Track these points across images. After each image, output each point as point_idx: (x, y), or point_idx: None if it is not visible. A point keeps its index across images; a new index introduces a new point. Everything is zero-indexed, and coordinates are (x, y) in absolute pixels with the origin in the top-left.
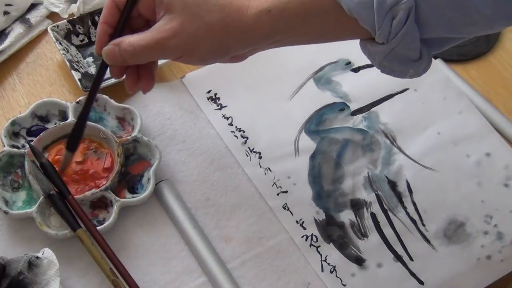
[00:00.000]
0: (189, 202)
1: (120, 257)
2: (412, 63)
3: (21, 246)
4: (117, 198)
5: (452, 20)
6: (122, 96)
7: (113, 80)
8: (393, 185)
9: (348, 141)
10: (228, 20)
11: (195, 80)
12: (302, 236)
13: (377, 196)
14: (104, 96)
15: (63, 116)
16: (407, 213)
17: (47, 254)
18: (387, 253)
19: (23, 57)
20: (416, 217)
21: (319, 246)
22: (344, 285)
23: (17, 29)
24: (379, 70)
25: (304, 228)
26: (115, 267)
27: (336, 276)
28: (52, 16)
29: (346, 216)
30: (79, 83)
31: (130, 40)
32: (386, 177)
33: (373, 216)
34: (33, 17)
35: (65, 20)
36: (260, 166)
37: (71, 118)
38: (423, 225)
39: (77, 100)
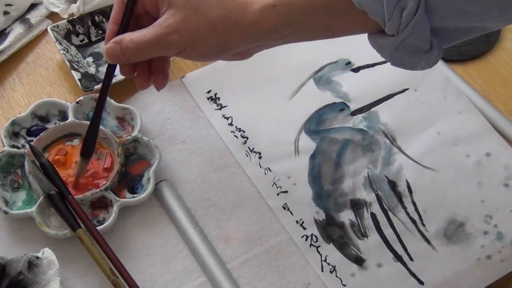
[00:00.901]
0: (189, 202)
1: (120, 257)
2: (423, 54)
3: (21, 246)
4: (117, 198)
5: (463, 8)
6: (122, 96)
7: (113, 80)
8: (393, 185)
9: (348, 141)
10: (231, 16)
11: (195, 80)
12: (302, 236)
13: (377, 196)
14: None
15: (63, 116)
16: (407, 213)
17: (47, 254)
18: (387, 253)
19: (23, 57)
20: (416, 217)
21: (319, 246)
22: (344, 285)
23: (17, 29)
24: (390, 63)
25: (304, 228)
26: (115, 267)
27: (336, 276)
28: (52, 16)
29: (346, 216)
30: (79, 83)
31: (131, 37)
32: (386, 177)
33: (373, 216)
34: (33, 17)
35: (65, 20)
36: (260, 166)
37: (71, 118)
38: (423, 225)
39: (77, 100)
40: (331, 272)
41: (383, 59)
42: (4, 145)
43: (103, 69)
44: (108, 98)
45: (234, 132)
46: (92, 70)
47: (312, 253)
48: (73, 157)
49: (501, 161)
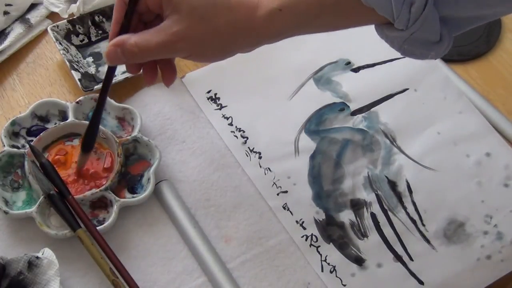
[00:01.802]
0: (189, 202)
1: (120, 257)
2: (433, 45)
3: (21, 246)
4: (117, 198)
5: None
6: (122, 96)
7: (113, 80)
8: (393, 185)
9: (348, 141)
10: (237, 24)
11: (195, 80)
12: (302, 236)
13: (377, 196)
14: None
15: (63, 116)
16: (407, 213)
17: (47, 254)
18: (387, 253)
19: (23, 57)
20: (416, 217)
21: (319, 246)
22: (344, 285)
23: (17, 29)
24: (400, 53)
25: (304, 228)
26: (115, 267)
27: (336, 276)
28: (52, 16)
29: (346, 216)
30: (79, 83)
31: (135, 40)
32: (386, 177)
33: (373, 216)
34: (33, 17)
35: (65, 20)
36: (260, 166)
37: (71, 118)
38: (423, 225)
39: (77, 100)
40: (331, 272)
41: (383, 59)
42: (4, 145)
43: (103, 69)
44: (108, 98)
45: (234, 132)
46: (92, 70)
47: (312, 253)
48: (73, 157)
49: (501, 161)
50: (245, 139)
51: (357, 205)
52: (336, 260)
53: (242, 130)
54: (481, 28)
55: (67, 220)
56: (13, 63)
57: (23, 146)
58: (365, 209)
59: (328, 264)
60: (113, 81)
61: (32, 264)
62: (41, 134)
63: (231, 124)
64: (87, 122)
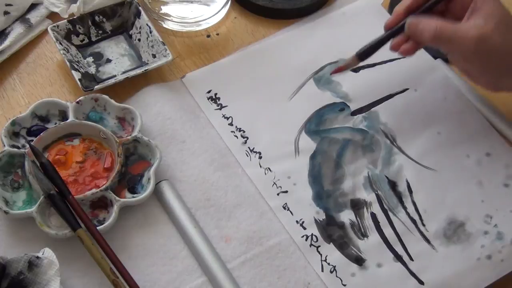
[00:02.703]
0: (189, 202)
1: (120, 257)
2: None
3: (21, 246)
4: (117, 198)
5: None
6: (122, 96)
7: (113, 80)
8: (393, 185)
9: (348, 141)
10: None
11: (195, 80)
12: (302, 236)
13: (377, 196)
14: (104, 96)
15: (63, 116)
16: (407, 213)
17: (47, 254)
18: (387, 253)
19: (23, 57)
20: (416, 217)
21: (319, 246)
22: (344, 285)
23: (17, 29)
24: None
25: (304, 228)
26: (115, 267)
27: (336, 276)
28: (52, 16)
29: (346, 216)
30: (79, 83)
31: (436, 24)
32: (386, 177)
33: (373, 216)
34: (33, 17)
35: (65, 20)
36: (260, 166)
37: (71, 118)
38: (423, 225)
39: (77, 100)
40: (331, 272)
41: (383, 59)
42: (4, 145)
43: (103, 69)
44: (108, 98)
45: (234, 132)
46: (92, 70)
47: (312, 253)
48: (73, 157)
49: (501, 161)
50: (245, 139)
51: (357, 205)
52: (336, 260)
53: (242, 130)
54: None
55: (67, 220)
56: (13, 63)
57: (23, 146)
58: (365, 209)
59: (328, 264)
60: (113, 81)
61: (32, 264)
62: (41, 134)
63: (231, 124)
64: (87, 122)
